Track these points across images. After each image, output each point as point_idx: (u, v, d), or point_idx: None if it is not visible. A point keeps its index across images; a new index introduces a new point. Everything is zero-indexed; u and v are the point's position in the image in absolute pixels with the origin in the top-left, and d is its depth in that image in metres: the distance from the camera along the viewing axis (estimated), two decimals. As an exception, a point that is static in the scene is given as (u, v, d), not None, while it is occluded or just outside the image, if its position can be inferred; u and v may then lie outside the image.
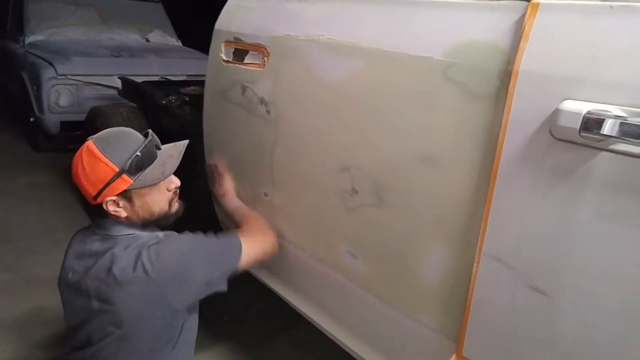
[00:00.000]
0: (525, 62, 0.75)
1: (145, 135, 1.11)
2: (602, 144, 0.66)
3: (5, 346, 1.72)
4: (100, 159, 1.04)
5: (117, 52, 3.60)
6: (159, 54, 3.81)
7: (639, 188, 0.64)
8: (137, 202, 1.11)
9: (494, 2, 0.84)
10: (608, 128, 0.62)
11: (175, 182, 1.18)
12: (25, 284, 2.10)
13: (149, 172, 1.08)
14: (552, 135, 0.71)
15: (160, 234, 1.14)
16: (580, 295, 0.72)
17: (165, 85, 2.99)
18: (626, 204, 0.65)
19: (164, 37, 4.38)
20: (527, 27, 0.75)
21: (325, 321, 1.32)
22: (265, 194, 1.36)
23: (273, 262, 1.50)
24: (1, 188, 3.08)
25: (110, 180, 1.05)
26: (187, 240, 1.12)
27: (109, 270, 1.03)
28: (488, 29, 0.83)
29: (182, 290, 1.08)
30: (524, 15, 0.77)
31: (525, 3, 0.78)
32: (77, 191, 1.15)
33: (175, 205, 1.19)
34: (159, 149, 1.12)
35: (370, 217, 1.06)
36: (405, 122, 0.95)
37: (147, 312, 1.05)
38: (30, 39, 3.87)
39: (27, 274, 2.17)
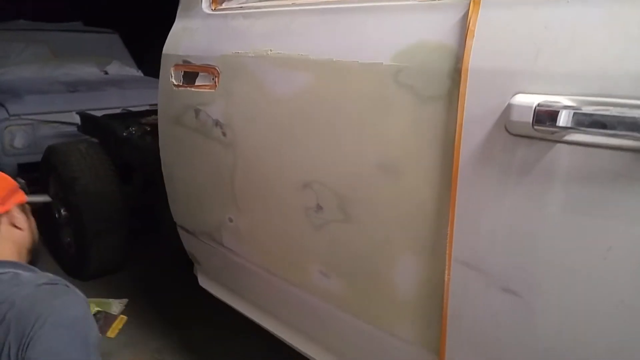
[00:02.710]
0: (474, 59, 0.73)
1: None
2: (556, 136, 0.64)
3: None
4: None
5: (74, 87, 3.50)
6: (118, 86, 3.72)
7: (595, 177, 0.62)
8: None
9: (436, 1, 0.82)
10: (559, 119, 0.60)
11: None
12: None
13: None
14: (508, 131, 0.69)
15: (50, 275, 1.01)
16: (552, 293, 0.69)
17: (126, 116, 2.91)
18: (586, 194, 0.63)
19: (123, 68, 4.29)
20: (471, 24, 0.74)
21: (305, 345, 1.27)
22: (230, 220, 1.31)
23: (246, 289, 1.46)
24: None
25: None
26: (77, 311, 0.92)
27: None
28: (434, 29, 0.81)
29: None
30: (467, 12, 0.75)
31: (467, 0, 0.76)
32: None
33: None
34: None
35: (337, 232, 1.02)
36: (362, 131, 0.92)
37: None
38: (-22, 80, 3.73)
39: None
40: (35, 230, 1.17)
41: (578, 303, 0.67)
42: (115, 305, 1.59)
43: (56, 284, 0.97)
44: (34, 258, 1.14)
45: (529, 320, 0.73)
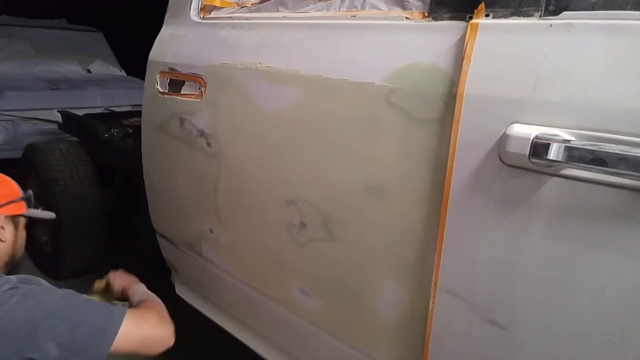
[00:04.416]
0: (470, 85, 0.71)
1: None
2: (552, 170, 0.62)
3: None
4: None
5: (56, 84, 3.42)
6: (101, 85, 3.65)
7: (592, 214, 0.60)
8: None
9: (432, 23, 0.80)
10: (556, 153, 0.58)
11: None
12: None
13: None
14: (502, 161, 0.67)
15: (14, 277, 0.97)
16: (539, 329, 0.68)
17: (108, 117, 2.85)
18: (581, 232, 0.61)
19: (107, 67, 4.21)
20: (468, 49, 0.72)
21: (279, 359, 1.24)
22: (211, 231, 1.27)
23: (224, 301, 1.42)
24: None
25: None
26: (55, 295, 0.94)
27: None
28: (429, 51, 0.79)
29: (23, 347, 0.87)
30: (464, 35, 0.73)
31: (464, 23, 0.75)
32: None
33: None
34: None
35: (320, 251, 0.99)
36: (350, 151, 0.89)
37: None
38: (-40, 76, 3.62)
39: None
40: (21, 245, 1.14)
41: (567, 342, 0.66)
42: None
43: (17, 287, 0.94)
44: (11, 271, 1.09)
45: (513, 354, 0.71)
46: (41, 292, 0.95)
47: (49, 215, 1.28)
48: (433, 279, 0.79)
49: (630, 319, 0.59)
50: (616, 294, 0.60)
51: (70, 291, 0.97)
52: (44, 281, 1.01)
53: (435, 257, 0.78)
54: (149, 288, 2.08)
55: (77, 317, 0.91)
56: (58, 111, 2.90)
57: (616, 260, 0.59)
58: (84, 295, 1.01)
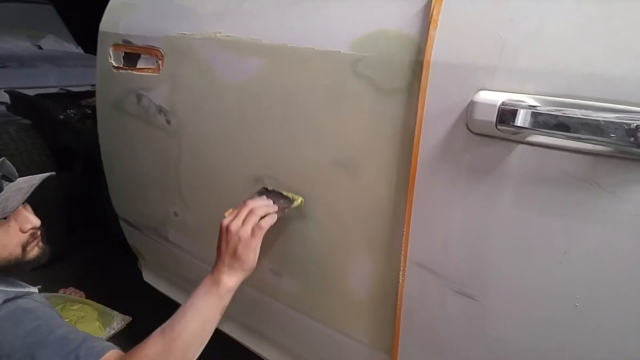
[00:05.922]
0: (437, 52, 0.69)
1: None
2: (519, 137, 0.61)
3: None
4: None
5: (3, 62, 3.21)
6: (55, 63, 3.45)
7: (557, 181, 0.60)
8: None
9: (398, -12, 0.77)
10: (523, 120, 0.57)
11: (33, 221, 0.97)
12: None
13: None
14: (469, 130, 0.66)
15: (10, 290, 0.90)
16: (508, 297, 0.68)
17: (64, 97, 2.70)
18: (547, 198, 0.61)
19: (60, 44, 3.99)
20: (435, 13, 0.69)
21: (254, 343, 1.22)
22: (176, 214, 1.23)
23: (194, 285, 1.38)
24: None
25: None
26: (25, 326, 0.84)
27: None
28: (395, 17, 0.76)
29: None
30: (430, 0, 0.71)
31: (430, -12, 0.72)
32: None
33: (35, 251, 0.98)
34: (10, 180, 0.93)
35: (290, 230, 0.97)
36: (317, 124, 0.87)
37: None
38: None
39: None
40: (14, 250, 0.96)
41: (532, 308, 0.66)
42: (117, 321, 1.36)
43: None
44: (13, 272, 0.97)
45: (484, 324, 0.72)
46: (18, 316, 0.85)
47: (34, 178, 0.98)
48: (403, 253, 0.78)
49: (590, 282, 0.60)
50: (578, 258, 0.60)
51: (46, 321, 0.86)
52: (35, 295, 0.92)
53: (404, 230, 0.77)
54: (115, 276, 1.99)
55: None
56: (6, 91, 2.73)
57: (578, 224, 0.59)
58: (62, 327, 0.86)
